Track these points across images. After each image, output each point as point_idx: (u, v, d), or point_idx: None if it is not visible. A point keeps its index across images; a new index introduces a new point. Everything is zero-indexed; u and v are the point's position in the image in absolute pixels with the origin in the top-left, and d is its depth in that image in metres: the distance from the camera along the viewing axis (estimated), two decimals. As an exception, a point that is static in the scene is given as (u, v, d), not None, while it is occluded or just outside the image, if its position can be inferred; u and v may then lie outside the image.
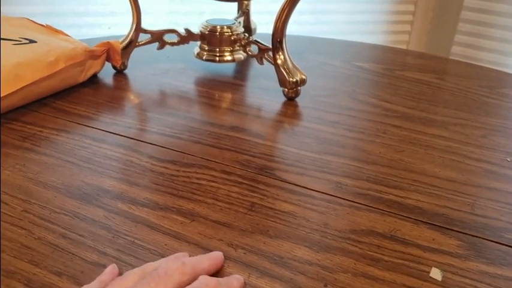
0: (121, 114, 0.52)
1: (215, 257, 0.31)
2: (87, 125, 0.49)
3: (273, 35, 0.56)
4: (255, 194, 0.40)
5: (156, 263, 0.30)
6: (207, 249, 0.33)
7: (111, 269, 0.30)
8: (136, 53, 0.63)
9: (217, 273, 0.31)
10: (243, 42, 0.64)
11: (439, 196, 0.41)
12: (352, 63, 0.72)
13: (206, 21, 0.64)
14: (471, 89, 0.64)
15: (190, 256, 0.32)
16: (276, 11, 0.55)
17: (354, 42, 0.84)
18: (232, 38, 0.63)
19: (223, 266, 0.32)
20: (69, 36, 0.61)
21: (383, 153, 0.47)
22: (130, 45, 0.63)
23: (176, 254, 0.32)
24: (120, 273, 0.30)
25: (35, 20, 0.63)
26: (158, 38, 0.64)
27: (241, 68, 0.69)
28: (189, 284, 0.28)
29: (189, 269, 0.28)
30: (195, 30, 0.64)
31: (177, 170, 0.42)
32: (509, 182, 0.43)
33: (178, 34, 0.63)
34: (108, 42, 0.61)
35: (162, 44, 0.64)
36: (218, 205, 0.38)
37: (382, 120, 0.54)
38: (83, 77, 0.58)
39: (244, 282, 0.30)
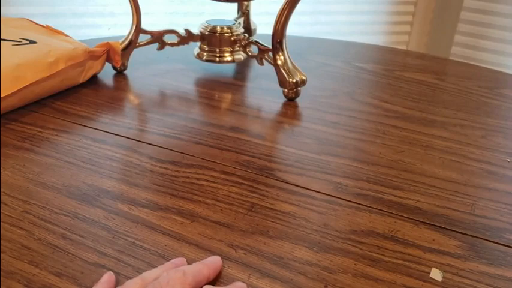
0: (121, 114, 0.52)
1: (214, 263, 0.31)
2: (87, 125, 0.49)
3: (273, 35, 0.56)
4: (255, 195, 0.40)
5: (156, 272, 0.29)
6: (207, 250, 0.33)
7: (108, 276, 0.30)
8: (136, 53, 0.64)
9: (217, 274, 0.31)
10: (243, 43, 0.64)
11: (439, 197, 0.41)
12: (352, 64, 0.72)
13: (206, 22, 0.64)
14: (471, 89, 0.64)
15: (187, 260, 0.32)
16: (275, 11, 0.55)
17: (354, 43, 0.84)
18: (232, 39, 0.63)
19: (223, 267, 0.32)
20: (69, 36, 0.61)
21: (383, 154, 0.47)
22: (130, 45, 0.63)
23: (174, 260, 0.32)
24: (117, 279, 0.30)
25: (34, 21, 0.63)
26: (158, 38, 0.64)
27: (241, 69, 0.69)
28: None
29: (190, 279, 0.28)
30: (195, 30, 0.64)
31: (177, 171, 0.42)
32: (509, 183, 0.43)
33: (178, 35, 0.63)
34: (108, 43, 0.61)
35: (162, 45, 0.64)
36: (218, 206, 0.38)
37: (382, 121, 0.54)
38: (82, 78, 0.58)
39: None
